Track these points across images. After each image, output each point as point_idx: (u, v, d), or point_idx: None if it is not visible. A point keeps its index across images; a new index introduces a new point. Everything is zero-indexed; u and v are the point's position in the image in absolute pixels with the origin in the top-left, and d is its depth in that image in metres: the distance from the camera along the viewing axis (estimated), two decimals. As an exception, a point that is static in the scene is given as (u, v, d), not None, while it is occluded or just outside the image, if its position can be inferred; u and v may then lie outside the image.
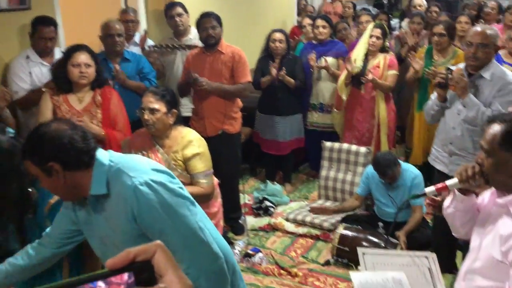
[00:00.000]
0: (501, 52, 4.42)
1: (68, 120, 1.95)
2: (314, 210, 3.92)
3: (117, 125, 3.08)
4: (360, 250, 2.11)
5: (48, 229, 1.92)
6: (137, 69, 3.85)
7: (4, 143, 1.85)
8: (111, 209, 1.66)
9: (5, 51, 3.57)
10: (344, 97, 4.46)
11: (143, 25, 4.79)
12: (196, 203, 1.75)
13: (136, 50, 4.17)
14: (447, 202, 1.91)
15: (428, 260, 2.08)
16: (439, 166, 3.19)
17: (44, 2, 3.78)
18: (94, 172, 1.63)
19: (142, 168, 1.66)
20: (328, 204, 4.33)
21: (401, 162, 3.71)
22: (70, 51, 2.97)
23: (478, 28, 2.97)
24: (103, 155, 1.67)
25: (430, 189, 1.85)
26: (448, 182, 1.79)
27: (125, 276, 0.59)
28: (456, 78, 2.85)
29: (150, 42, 4.49)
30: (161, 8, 4.62)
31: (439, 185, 1.81)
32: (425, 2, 6.48)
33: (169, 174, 1.71)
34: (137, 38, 4.36)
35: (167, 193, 1.62)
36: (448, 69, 2.97)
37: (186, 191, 1.73)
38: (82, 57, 2.94)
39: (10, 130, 1.99)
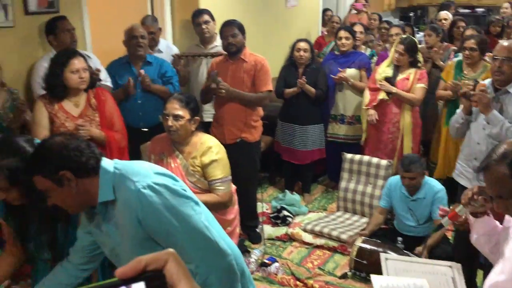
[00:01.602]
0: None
1: (68, 132, 1.98)
2: (349, 243, 3.81)
3: (114, 126, 3.07)
4: (383, 256, 2.08)
5: (74, 246, 1.96)
6: (159, 73, 3.89)
7: None
8: (119, 216, 1.68)
9: (32, 53, 3.64)
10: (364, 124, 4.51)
11: (169, 32, 4.85)
12: (201, 203, 1.77)
13: (159, 57, 4.20)
14: (472, 232, 1.90)
15: (452, 269, 2.05)
16: (463, 182, 3.13)
17: (72, 5, 3.85)
18: (100, 179, 1.66)
19: (144, 172, 1.68)
20: (347, 216, 4.29)
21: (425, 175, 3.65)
22: (66, 58, 2.94)
23: (505, 43, 2.93)
24: (108, 163, 1.71)
25: (445, 219, 1.91)
26: (457, 209, 1.84)
27: None
28: (478, 95, 2.81)
29: (175, 49, 4.54)
30: (187, 15, 4.66)
31: (450, 213, 1.87)
32: (450, 16, 6.40)
33: (171, 176, 1.73)
34: (161, 45, 4.40)
35: (170, 195, 1.64)
36: (476, 81, 2.93)
37: (190, 191, 1.74)
38: (79, 62, 2.92)
39: (38, 141, 2.01)
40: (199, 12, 4.39)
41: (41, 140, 2.96)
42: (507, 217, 1.83)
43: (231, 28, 3.70)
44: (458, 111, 3.09)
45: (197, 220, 1.67)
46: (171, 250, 0.60)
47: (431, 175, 4.12)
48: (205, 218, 1.71)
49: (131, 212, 1.62)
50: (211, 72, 3.70)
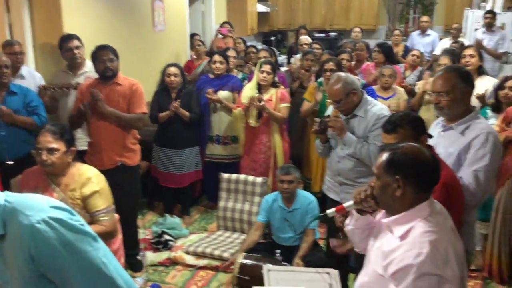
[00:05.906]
0: (374, 87, 4.92)
1: None
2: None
3: None
4: (265, 267, 2.20)
5: None
6: (24, 103, 3.69)
7: None
8: (8, 252, 1.58)
9: None
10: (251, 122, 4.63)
11: (30, 57, 4.59)
12: (99, 239, 1.72)
13: (22, 83, 3.97)
14: (347, 220, 2.11)
15: (330, 276, 2.23)
16: (331, 195, 3.44)
17: None
18: None
19: (39, 206, 1.60)
20: (228, 234, 4.40)
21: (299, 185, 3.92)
22: None
23: (328, 87, 3.31)
24: None
25: (331, 210, 2.09)
26: (345, 204, 2.03)
27: None
28: (332, 121, 3.18)
29: (38, 76, 4.30)
30: (50, 40, 4.47)
31: (338, 206, 2.06)
32: (310, 40, 6.95)
33: (69, 211, 1.66)
34: (23, 71, 4.16)
35: (67, 230, 1.58)
36: (321, 120, 3.27)
37: (87, 227, 1.69)
38: None
39: None
40: (69, 37, 4.23)
41: None
42: (379, 215, 2.08)
43: (107, 53, 3.67)
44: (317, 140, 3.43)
45: (94, 256, 1.62)
46: None
47: (308, 190, 4.39)
48: (103, 254, 1.66)
49: (23, 248, 1.53)
50: (84, 103, 3.62)
